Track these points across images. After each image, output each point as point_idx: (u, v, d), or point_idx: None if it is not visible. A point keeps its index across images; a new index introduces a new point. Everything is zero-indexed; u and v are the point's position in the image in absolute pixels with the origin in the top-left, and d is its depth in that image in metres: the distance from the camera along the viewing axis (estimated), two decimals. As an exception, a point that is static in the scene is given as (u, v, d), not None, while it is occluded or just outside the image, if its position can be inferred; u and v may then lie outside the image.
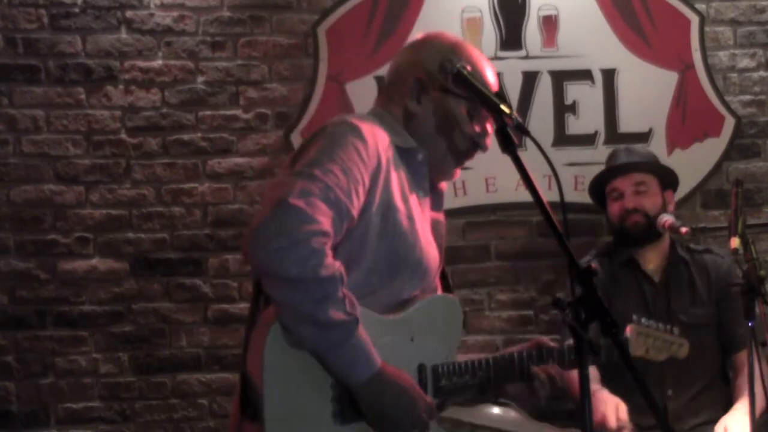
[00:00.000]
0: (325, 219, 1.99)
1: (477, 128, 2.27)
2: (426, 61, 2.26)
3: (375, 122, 2.22)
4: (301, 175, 2.03)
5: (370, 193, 2.10)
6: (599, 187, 3.67)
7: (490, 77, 2.28)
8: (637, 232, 3.51)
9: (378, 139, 2.15)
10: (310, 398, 2.02)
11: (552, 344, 2.33)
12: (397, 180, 2.17)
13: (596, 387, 3.34)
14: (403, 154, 2.23)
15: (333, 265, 1.98)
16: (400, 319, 2.15)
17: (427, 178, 2.27)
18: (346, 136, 2.11)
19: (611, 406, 3.24)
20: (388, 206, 2.13)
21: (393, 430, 2.06)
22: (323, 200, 2.00)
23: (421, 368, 2.16)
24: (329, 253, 1.98)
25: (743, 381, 3.20)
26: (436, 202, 2.34)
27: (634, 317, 2.55)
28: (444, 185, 2.39)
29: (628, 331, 2.50)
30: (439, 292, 2.32)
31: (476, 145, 2.29)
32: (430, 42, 2.31)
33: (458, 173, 2.36)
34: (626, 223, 3.51)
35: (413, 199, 2.21)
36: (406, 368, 2.12)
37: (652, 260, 3.57)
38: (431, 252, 2.24)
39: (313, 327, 1.96)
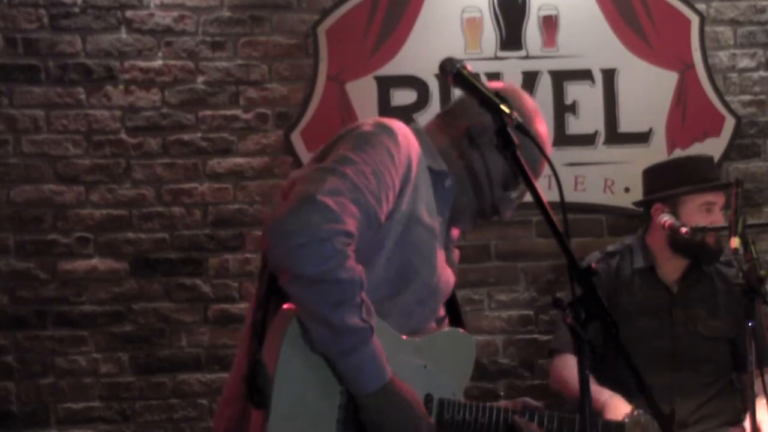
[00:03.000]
0: (351, 220, 1.93)
1: (507, 193, 2.23)
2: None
3: (411, 133, 2.15)
4: (332, 172, 1.96)
5: (398, 198, 2.05)
6: (674, 187, 3.49)
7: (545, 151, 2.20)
8: (717, 253, 3.46)
9: (411, 146, 2.09)
10: (319, 400, 1.99)
11: (535, 404, 2.29)
12: (425, 194, 2.13)
13: (609, 393, 3.31)
14: (432, 175, 2.17)
15: (354, 268, 1.92)
16: (417, 344, 2.12)
17: (450, 207, 2.22)
18: (379, 138, 2.05)
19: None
20: (412, 216, 2.08)
21: None
22: (352, 201, 1.94)
23: (428, 398, 2.13)
24: (352, 255, 1.93)
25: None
26: (450, 236, 2.29)
27: (634, 413, 2.57)
28: (456, 232, 2.33)
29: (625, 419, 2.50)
30: (447, 322, 2.28)
31: (496, 211, 2.25)
32: (509, 99, 2.11)
33: (470, 229, 2.33)
34: (708, 239, 3.41)
35: (436, 219, 2.17)
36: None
37: (672, 271, 3.55)
38: (445, 272, 2.20)
39: (327, 329, 1.92)
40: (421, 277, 2.12)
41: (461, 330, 2.26)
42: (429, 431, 2.06)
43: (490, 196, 2.22)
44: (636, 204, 3.72)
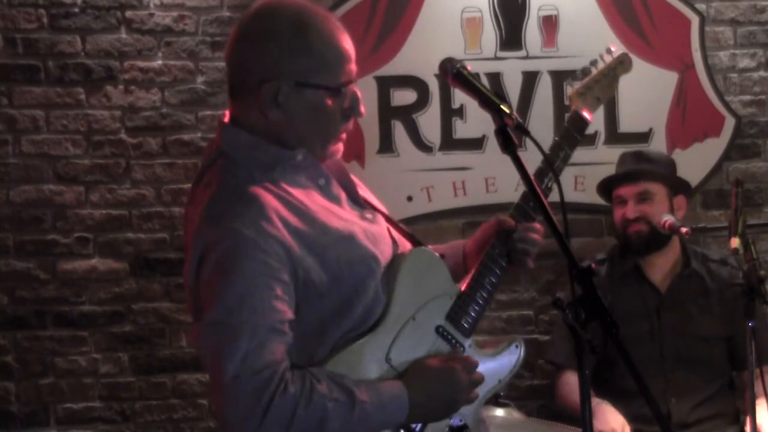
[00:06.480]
0: (270, 356, 1.87)
1: (345, 103, 2.12)
2: (273, 61, 2.00)
3: (244, 185, 1.97)
4: (223, 336, 1.87)
5: (292, 276, 1.94)
6: (608, 191, 3.66)
7: (347, 45, 2.12)
8: (640, 242, 3.48)
9: (263, 219, 1.93)
10: None
11: (507, 223, 2.24)
12: (299, 217, 1.98)
13: (597, 400, 3.31)
14: (284, 169, 2.04)
15: (300, 390, 1.87)
16: (393, 318, 2.07)
17: (316, 163, 2.09)
18: (234, 257, 1.90)
19: (618, 427, 3.22)
20: (311, 248, 1.96)
21: (450, 413, 2.10)
22: (258, 344, 1.87)
23: (439, 329, 2.15)
24: (287, 381, 1.87)
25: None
26: (334, 167, 2.16)
27: (573, 83, 2.52)
28: (337, 151, 2.16)
29: (573, 100, 2.47)
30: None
31: (348, 117, 2.14)
32: (271, 31, 2.01)
33: (341, 147, 2.15)
34: (628, 232, 3.49)
35: (318, 199, 2.05)
36: (428, 343, 2.11)
37: (658, 270, 3.54)
38: (365, 227, 2.08)
39: None
40: (365, 262, 2.04)
41: (403, 260, 2.13)
42: (468, 370, 2.11)
43: (334, 121, 2.09)
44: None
